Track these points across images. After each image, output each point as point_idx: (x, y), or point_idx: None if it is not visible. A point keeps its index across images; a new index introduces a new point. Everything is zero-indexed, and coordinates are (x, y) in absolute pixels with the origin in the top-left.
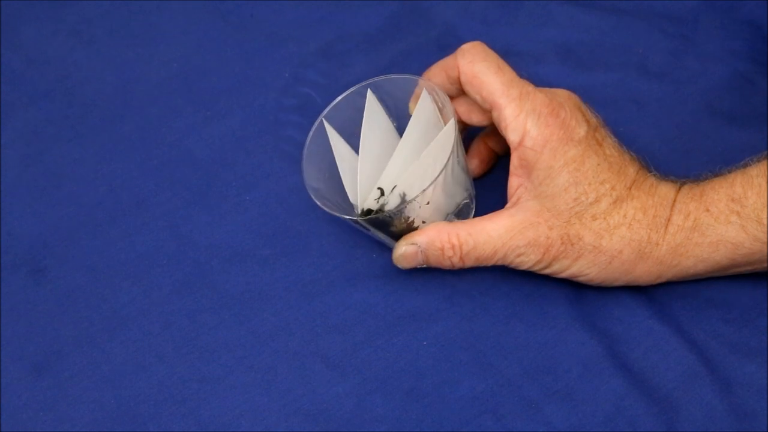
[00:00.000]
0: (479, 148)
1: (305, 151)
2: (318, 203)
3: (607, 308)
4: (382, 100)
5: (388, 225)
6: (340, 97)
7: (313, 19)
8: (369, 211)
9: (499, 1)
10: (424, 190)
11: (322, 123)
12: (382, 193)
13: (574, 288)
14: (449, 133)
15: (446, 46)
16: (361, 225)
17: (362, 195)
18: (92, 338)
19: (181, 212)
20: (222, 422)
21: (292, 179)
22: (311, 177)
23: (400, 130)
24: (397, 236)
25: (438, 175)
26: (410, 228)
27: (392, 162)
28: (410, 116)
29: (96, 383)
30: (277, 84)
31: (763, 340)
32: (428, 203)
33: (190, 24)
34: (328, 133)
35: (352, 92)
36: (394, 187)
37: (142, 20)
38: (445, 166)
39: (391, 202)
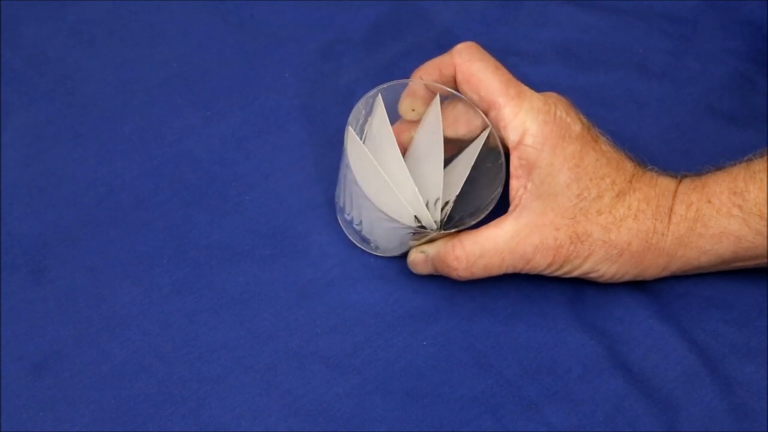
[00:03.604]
0: None
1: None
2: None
3: (607, 308)
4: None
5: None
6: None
7: (313, 19)
8: (444, 221)
9: (499, 1)
10: (493, 196)
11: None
12: (441, 204)
13: (574, 288)
14: (481, 140)
15: (446, 46)
16: (419, 235)
17: (417, 205)
18: (92, 338)
19: (181, 212)
20: (222, 422)
21: (292, 179)
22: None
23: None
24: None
25: (504, 179)
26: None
27: (436, 173)
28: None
29: (96, 383)
30: (277, 84)
31: (763, 340)
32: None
33: (190, 24)
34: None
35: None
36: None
37: (142, 20)
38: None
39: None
